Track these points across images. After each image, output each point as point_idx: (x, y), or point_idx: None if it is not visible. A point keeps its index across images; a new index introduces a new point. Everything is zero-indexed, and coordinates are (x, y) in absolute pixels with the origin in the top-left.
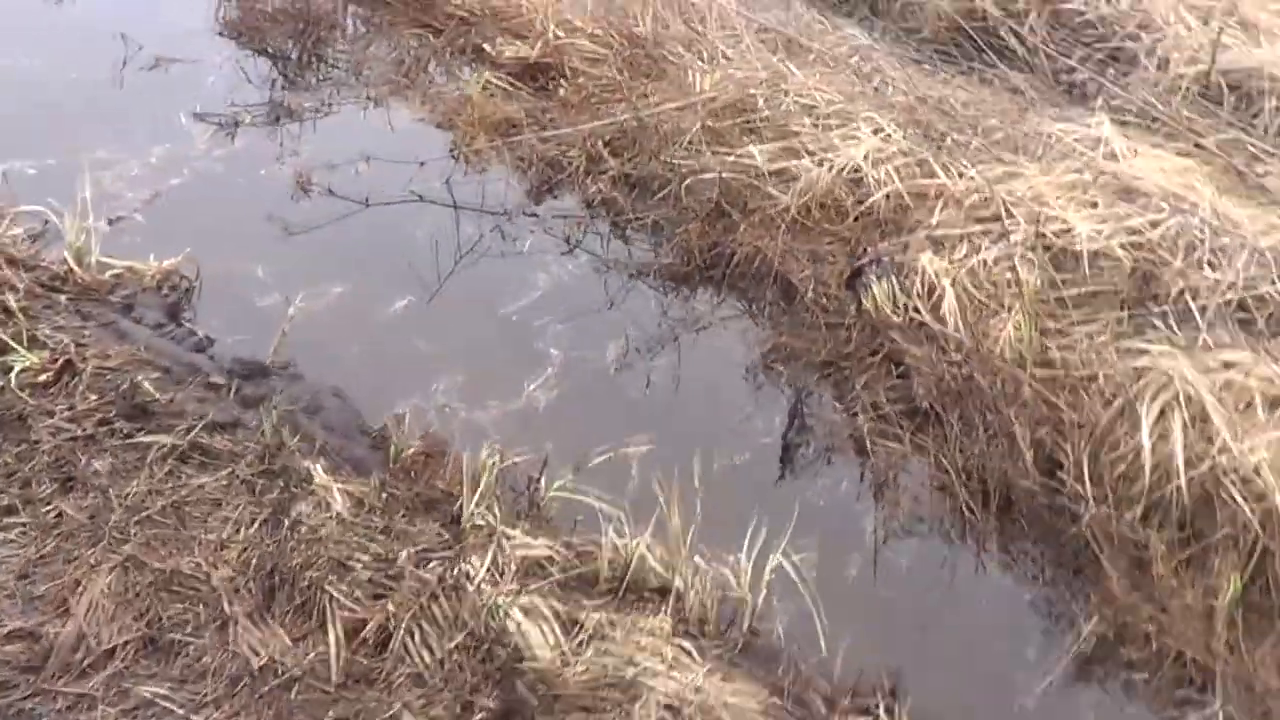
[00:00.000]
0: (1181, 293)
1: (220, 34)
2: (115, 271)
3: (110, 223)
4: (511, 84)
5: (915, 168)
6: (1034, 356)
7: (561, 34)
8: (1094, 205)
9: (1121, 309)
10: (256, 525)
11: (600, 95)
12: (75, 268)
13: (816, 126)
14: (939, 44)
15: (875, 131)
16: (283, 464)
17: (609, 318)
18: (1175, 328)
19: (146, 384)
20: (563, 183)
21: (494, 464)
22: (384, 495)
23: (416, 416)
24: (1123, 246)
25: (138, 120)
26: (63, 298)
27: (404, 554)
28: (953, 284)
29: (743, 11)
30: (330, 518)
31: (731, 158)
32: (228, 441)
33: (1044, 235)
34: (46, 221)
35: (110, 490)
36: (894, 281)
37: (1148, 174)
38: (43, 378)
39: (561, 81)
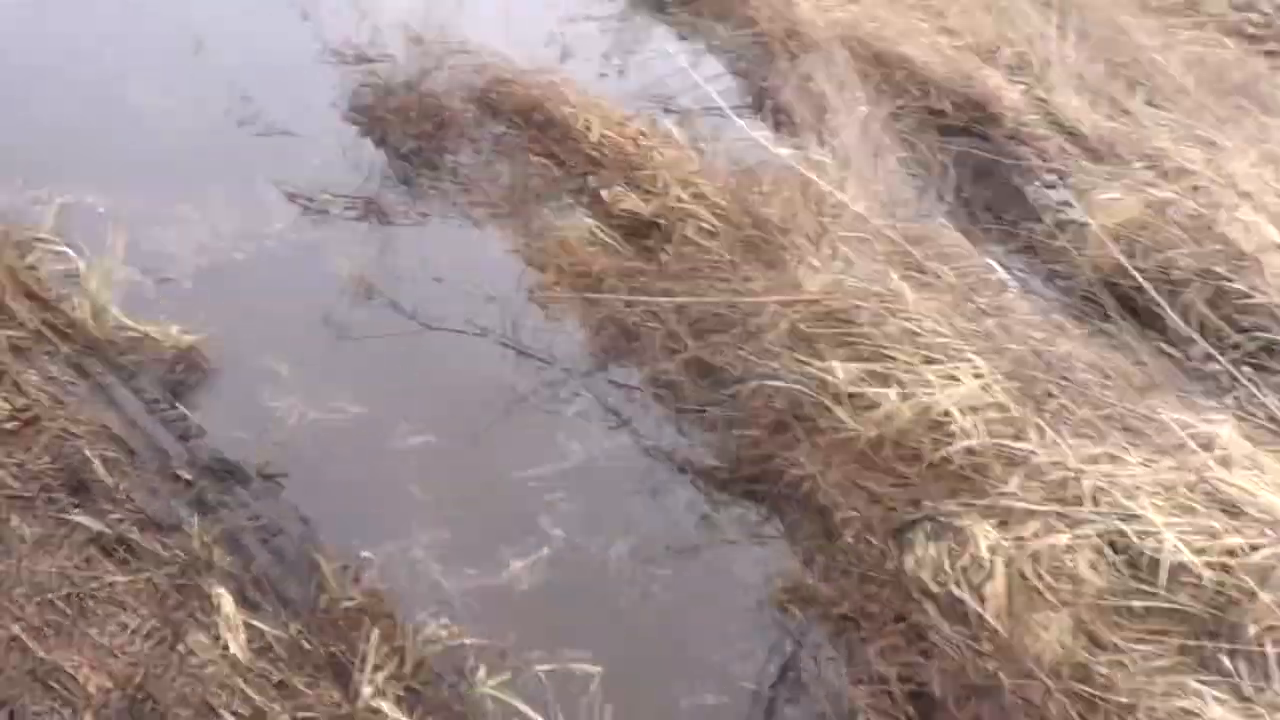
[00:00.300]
0: (1261, 634)
1: (345, 117)
2: (132, 334)
3: (157, 283)
4: (615, 237)
5: (1007, 425)
6: (1074, 669)
7: (684, 197)
8: (1190, 512)
9: (1188, 636)
10: (152, 642)
11: (704, 270)
12: (89, 320)
13: (914, 356)
14: (1084, 295)
15: (976, 376)
16: (199, 583)
17: (630, 509)
18: (1242, 673)
19: (96, 461)
20: (634, 353)
21: (443, 638)
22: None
23: (384, 566)
24: (1209, 565)
25: (226, 183)
26: (66, 348)
27: (283, 718)
28: (1007, 565)
29: (877, 217)
30: (222, 655)
31: (813, 369)
32: (157, 543)
33: (1124, 534)
34: (91, 264)
35: (25, 561)
36: (945, 546)
37: (1262, 490)
38: (9, 425)
39: (666, 246)
